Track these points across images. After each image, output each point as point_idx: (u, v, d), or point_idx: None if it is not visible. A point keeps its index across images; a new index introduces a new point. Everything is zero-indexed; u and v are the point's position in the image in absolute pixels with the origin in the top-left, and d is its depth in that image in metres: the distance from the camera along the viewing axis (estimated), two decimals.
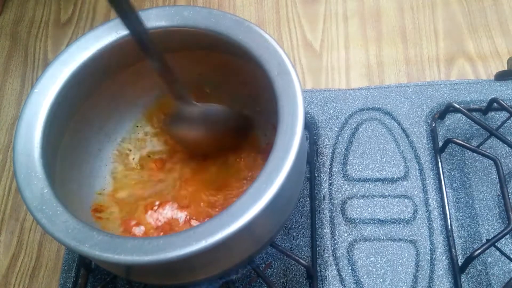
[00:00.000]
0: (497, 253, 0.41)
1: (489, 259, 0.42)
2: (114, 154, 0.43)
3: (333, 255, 0.43)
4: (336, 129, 0.49)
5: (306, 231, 0.44)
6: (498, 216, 0.44)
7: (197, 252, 0.27)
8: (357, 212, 0.45)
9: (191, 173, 0.42)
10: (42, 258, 0.48)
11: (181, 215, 0.40)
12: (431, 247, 0.43)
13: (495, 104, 0.46)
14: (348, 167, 0.47)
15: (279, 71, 0.33)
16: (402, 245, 0.43)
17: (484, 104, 0.48)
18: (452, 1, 0.59)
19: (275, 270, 0.43)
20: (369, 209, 0.45)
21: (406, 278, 0.42)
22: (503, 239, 0.41)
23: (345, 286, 0.42)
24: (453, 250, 0.42)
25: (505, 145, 0.45)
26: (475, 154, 0.46)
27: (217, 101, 0.44)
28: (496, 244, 0.39)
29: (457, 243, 0.43)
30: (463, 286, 0.41)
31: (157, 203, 0.41)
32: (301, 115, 0.31)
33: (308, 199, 0.46)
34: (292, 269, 0.43)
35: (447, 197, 0.44)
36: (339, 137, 0.49)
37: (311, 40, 0.58)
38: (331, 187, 0.46)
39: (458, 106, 0.46)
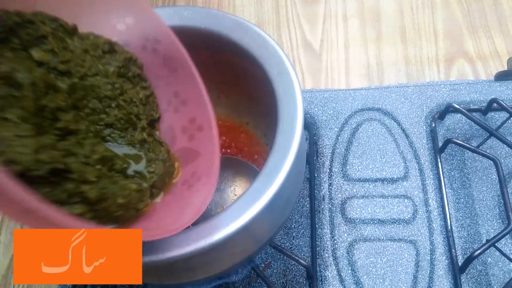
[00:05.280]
0: (497, 253, 0.41)
1: (489, 259, 0.42)
2: None
3: (333, 255, 0.43)
4: (336, 129, 0.49)
5: (306, 231, 0.44)
6: (498, 216, 0.44)
7: (196, 252, 0.27)
8: (357, 212, 0.45)
9: None
10: None
11: None
12: (431, 247, 0.43)
13: (495, 105, 0.46)
14: (348, 167, 0.47)
15: (278, 71, 0.33)
16: (402, 245, 0.43)
17: (484, 104, 0.48)
18: (452, 1, 0.59)
19: (274, 270, 0.43)
20: (369, 209, 0.45)
21: (406, 279, 0.42)
22: (503, 239, 0.41)
23: (345, 286, 0.42)
24: (453, 250, 0.42)
25: (505, 145, 0.45)
26: (475, 154, 0.46)
27: (216, 101, 0.45)
28: (496, 244, 0.39)
29: (457, 243, 0.43)
30: (463, 286, 0.41)
31: None
32: (301, 115, 0.31)
33: (308, 199, 0.46)
34: (292, 269, 0.43)
35: (447, 197, 0.44)
36: (339, 137, 0.49)
37: (310, 40, 0.58)
38: (330, 187, 0.46)
39: (458, 107, 0.46)
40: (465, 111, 0.46)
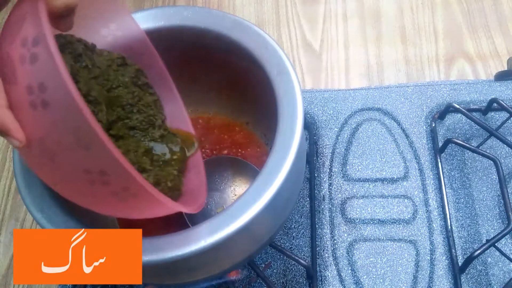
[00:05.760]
0: (497, 253, 0.41)
1: (489, 259, 0.42)
2: None
3: (333, 255, 0.43)
4: (335, 129, 0.49)
5: (306, 231, 0.44)
6: (498, 216, 0.44)
7: (196, 252, 0.27)
8: (357, 212, 0.45)
9: None
10: None
11: None
12: (431, 247, 0.43)
13: (495, 104, 0.46)
14: (348, 167, 0.47)
15: (279, 71, 0.33)
16: (402, 245, 0.43)
17: (484, 104, 0.48)
18: (452, 1, 0.59)
19: (274, 270, 0.43)
20: (369, 209, 0.45)
21: (406, 279, 0.42)
22: (503, 239, 0.41)
23: (345, 286, 0.42)
24: (453, 250, 0.42)
25: (505, 145, 0.45)
26: (475, 154, 0.46)
27: (216, 101, 0.45)
28: (496, 244, 0.39)
29: (457, 243, 0.43)
30: (463, 286, 0.41)
31: None
32: (301, 115, 0.31)
33: (308, 199, 0.46)
34: (292, 269, 0.43)
35: (447, 197, 0.44)
36: (339, 137, 0.49)
37: (310, 40, 0.58)
38: (331, 187, 0.46)
39: (458, 106, 0.46)
40: (465, 111, 0.46)
